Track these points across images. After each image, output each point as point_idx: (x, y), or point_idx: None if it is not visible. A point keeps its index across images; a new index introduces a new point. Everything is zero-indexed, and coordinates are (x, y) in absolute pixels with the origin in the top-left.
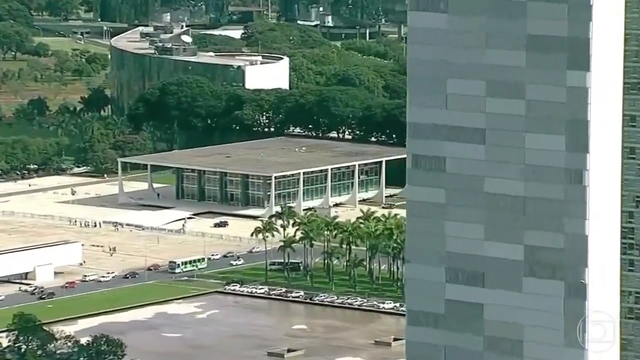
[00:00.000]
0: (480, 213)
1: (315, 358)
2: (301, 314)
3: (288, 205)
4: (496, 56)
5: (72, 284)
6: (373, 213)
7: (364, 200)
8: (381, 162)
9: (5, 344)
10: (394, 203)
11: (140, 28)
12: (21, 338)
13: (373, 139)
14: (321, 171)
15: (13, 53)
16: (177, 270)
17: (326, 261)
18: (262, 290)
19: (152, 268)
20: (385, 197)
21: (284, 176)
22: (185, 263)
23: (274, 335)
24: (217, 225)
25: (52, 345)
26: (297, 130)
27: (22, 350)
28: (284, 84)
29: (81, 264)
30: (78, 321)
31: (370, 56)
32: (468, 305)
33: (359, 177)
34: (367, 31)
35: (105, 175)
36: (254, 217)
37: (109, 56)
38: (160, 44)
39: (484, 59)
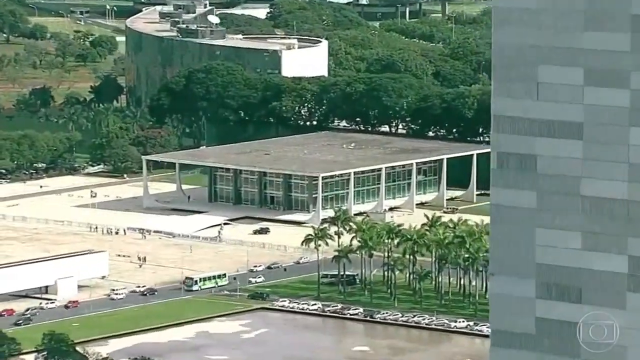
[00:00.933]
0: (577, 219)
1: None
2: (361, 333)
3: (343, 209)
4: (596, 40)
5: (75, 304)
6: (439, 218)
7: (421, 203)
8: (441, 160)
9: None
10: (457, 207)
11: (158, 7)
12: None
13: (430, 133)
14: (373, 171)
15: (5, 35)
16: (195, 288)
17: (387, 273)
18: (315, 307)
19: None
20: (446, 200)
21: (331, 176)
22: (204, 279)
23: (333, 357)
24: (257, 232)
25: None
26: (343, 123)
27: None
28: (323, 71)
29: (103, 277)
30: (109, 341)
31: (414, 39)
32: (562, 324)
33: (416, 178)
34: (407, 10)
35: (125, 175)
36: (298, 223)
37: (122, 39)
38: (184, 26)
39: (582, 42)
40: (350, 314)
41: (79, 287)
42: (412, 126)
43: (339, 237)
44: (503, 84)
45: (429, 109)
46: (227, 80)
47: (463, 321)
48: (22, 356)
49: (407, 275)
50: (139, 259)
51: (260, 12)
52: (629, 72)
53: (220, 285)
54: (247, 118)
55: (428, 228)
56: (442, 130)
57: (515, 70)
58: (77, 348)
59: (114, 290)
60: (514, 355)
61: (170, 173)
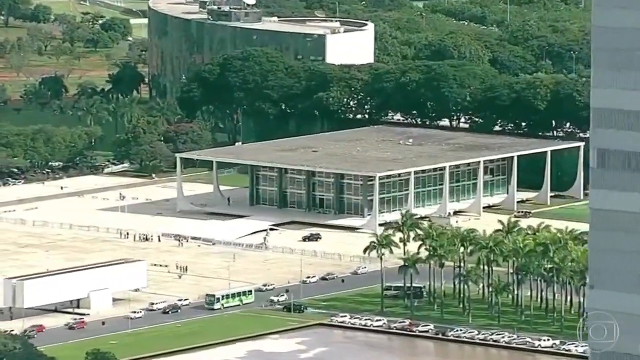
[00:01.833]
0: None
1: None
2: (432, 352)
3: (410, 213)
4: None
5: (81, 324)
6: (516, 223)
7: (489, 206)
8: (511, 158)
9: None
10: (529, 210)
11: None
12: None
13: (496, 127)
14: (435, 170)
15: (4, 18)
16: (217, 306)
17: (460, 285)
18: (379, 323)
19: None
20: (516, 202)
21: (389, 176)
22: (227, 297)
23: None
24: (307, 238)
25: None
26: (397, 116)
27: None
28: (369, 58)
29: (137, 290)
30: None
31: (462, 21)
32: None
33: (483, 178)
34: None
35: (154, 175)
36: (352, 229)
37: (136, 21)
38: (215, 7)
39: None
40: (420, 331)
41: (114, 300)
42: (476, 119)
43: (404, 245)
44: (604, 73)
45: (496, 100)
46: (266, 69)
47: (548, 339)
48: None
49: (482, 287)
50: (179, 268)
51: None
52: None
53: (246, 304)
54: (288, 111)
55: (504, 234)
56: (510, 124)
57: (618, 58)
58: None
59: (153, 303)
60: None
61: (203, 172)
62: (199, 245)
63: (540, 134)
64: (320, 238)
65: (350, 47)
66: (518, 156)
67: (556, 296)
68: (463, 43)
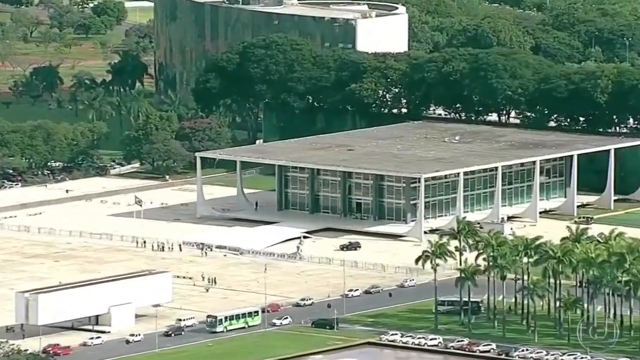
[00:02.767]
0: None
1: None
2: None
3: (465, 219)
4: None
5: (66, 350)
6: (585, 231)
7: (545, 211)
8: (570, 157)
9: None
10: (591, 216)
11: None
12: None
13: (551, 123)
14: (486, 171)
15: None
16: (219, 329)
17: (524, 300)
18: (435, 342)
19: (269, 309)
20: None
21: (435, 178)
22: (231, 318)
23: None
24: (345, 247)
25: None
26: (439, 111)
27: None
28: (403, 45)
29: (157, 305)
30: None
31: (496, 3)
32: None
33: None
34: None
35: (168, 177)
36: (394, 237)
37: (132, 4)
38: None
39: None
40: (481, 351)
41: (137, 316)
42: (529, 114)
43: (460, 255)
44: None
45: (551, 93)
46: (291, 58)
47: None
48: None
49: (547, 302)
50: (208, 280)
51: None
52: None
53: (252, 326)
54: (316, 105)
55: (571, 243)
56: (567, 120)
57: None
58: None
59: (180, 320)
60: None
61: (222, 174)
62: (224, 255)
63: (600, 130)
64: (359, 247)
65: (383, 34)
66: (578, 155)
67: (633, 312)
68: (502, 29)
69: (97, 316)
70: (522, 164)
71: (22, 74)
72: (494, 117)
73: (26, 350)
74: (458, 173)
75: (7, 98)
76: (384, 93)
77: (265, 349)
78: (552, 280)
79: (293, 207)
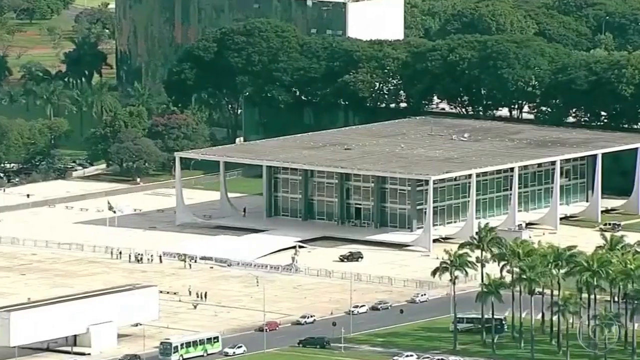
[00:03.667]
0: None
1: None
2: None
3: (489, 227)
4: None
5: None
6: (621, 239)
7: (565, 217)
8: (593, 157)
9: None
10: (618, 222)
11: None
12: None
13: (570, 119)
14: (499, 172)
15: None
16: (173, 358)
17: (554, 317)
18: None
19: (267, 328)
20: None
21: (443, 180)
22: (188, 345)
23: None
24: (345, 258)
25: None
26: (444, 105)
27: None
28: (398, 32)
29: (137, 325)
30: None
31: None
32: None
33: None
34: None
35: (139, 179)
36: (399, 246)
37: None
38: None
39: None
40: None
41: (119, 336)
42: (544, 109)
43: (482, 266)
44: None
45: (570, 85)
46: (276, 46)
47: None
48: None
49: (581, 318)
50: (196, 295)
51: None
52: None
53: (211, 353)
54: (304, 98)
55: (607, 253)
56: (588, 115)
57: None
58: None
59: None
60: None
61: (199, 175)
62: (211, 267)
63: (625, 126)
64: (362, 257)
65: (375, 19)
66: (602, 154)
67: None
68: (502, 13)
69: (75, 336)
70: (539, 165)
71: None
72: (504, 112)
73: None
74: (470, 175)
75: None
76: (381, 85)
77: None
78: (584, 295)
79: (284, 214)
